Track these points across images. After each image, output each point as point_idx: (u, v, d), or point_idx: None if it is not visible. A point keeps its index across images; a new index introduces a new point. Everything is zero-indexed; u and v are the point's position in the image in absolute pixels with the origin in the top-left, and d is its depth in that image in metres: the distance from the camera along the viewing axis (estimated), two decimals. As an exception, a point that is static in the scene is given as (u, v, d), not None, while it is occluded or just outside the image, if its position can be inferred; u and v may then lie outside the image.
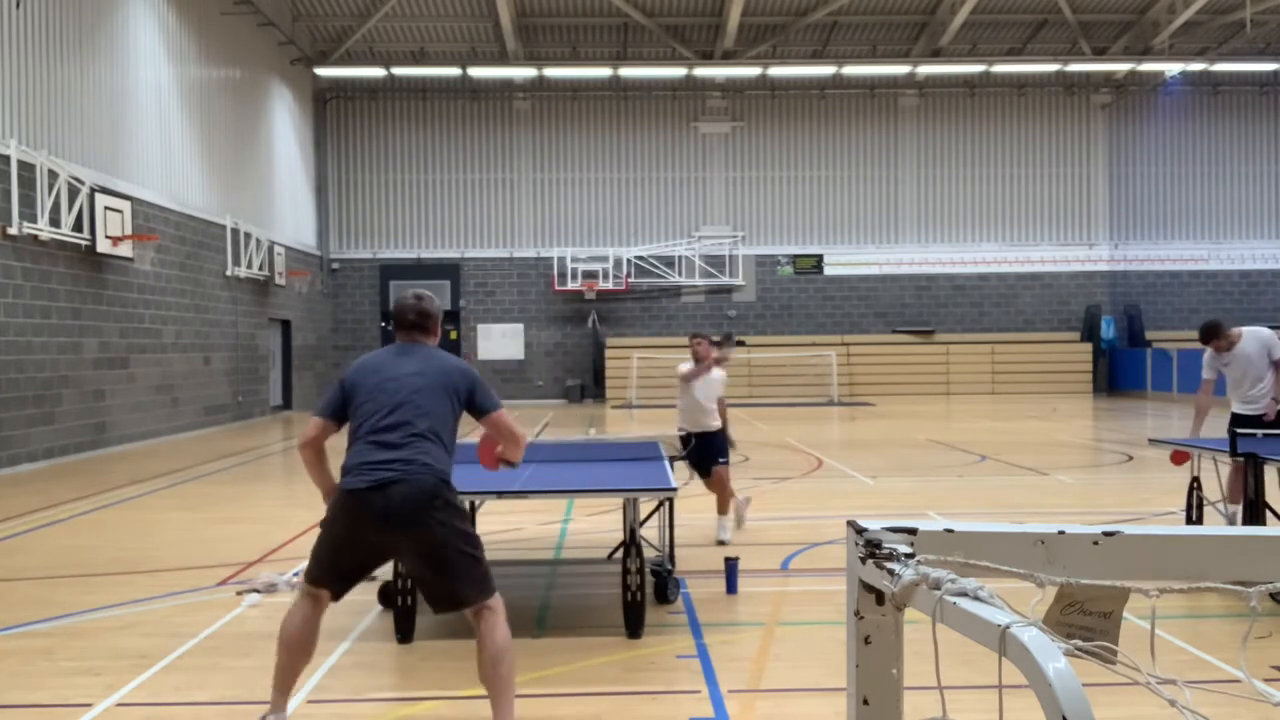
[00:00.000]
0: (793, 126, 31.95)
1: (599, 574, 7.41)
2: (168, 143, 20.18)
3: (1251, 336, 8.69)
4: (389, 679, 5.41)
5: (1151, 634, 1.77)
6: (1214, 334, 8.64)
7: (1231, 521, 8.19)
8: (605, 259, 31.12)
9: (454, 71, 29.57)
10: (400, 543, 4.39)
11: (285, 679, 4.47)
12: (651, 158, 31.88)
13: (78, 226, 16.08)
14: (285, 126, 27.88)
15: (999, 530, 1.94)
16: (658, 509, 7.48)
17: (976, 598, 1.58)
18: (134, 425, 18.19)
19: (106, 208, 16.82)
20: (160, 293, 19.35)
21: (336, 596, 4.51)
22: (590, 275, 30.97)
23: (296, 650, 4.45)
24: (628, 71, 29.99)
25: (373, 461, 4.34)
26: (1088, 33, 29.79)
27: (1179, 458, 8.38)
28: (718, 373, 9.19)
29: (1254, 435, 7.86)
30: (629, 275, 31.26)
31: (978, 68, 29.74)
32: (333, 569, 4.44)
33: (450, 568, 4.33)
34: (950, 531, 1.93)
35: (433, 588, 4.40)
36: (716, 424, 9.13)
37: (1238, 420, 8.73)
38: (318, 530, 4.55)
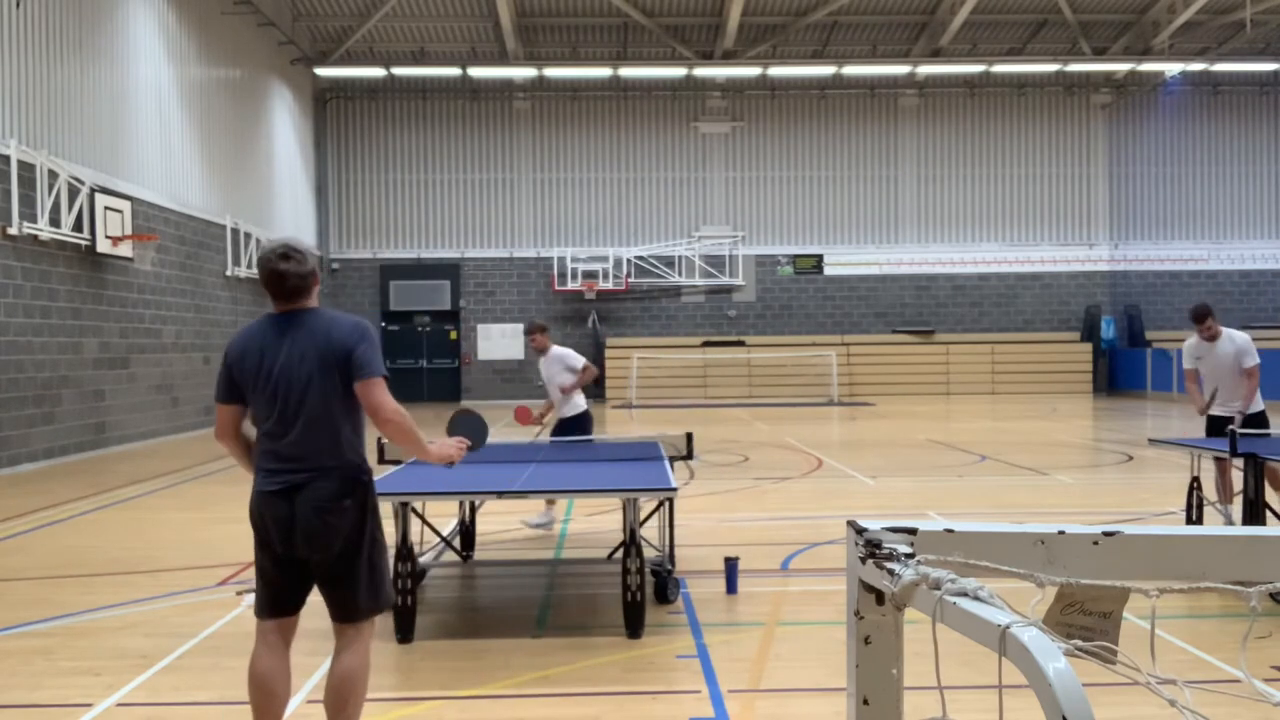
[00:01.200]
0: (793, 126, 31.95)
1: (599, 574, 7.42)
2: (168, 143, 20.19)
3: (1229, 340, 8.73)
4: (389, 679, 5.41)
5: (1151, 634, 1.77)
6: (1207, 313, 8.76)
7: (1229, 521, 8.21)
8: (605, 259, 31.12)
9: (454, 71, 29.56)
10: (306, 550, 3.96)
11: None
12: (651, 158, 31.88)
13: (78, 226, 16.08)
14: (285, 126, 27.88)
15: (999, 530, 1.94)
16: (658, 509, 7.48)
17: (976, 598, 1.58)
18: (134, 425, 18.19)
19: (106, 208, 16.82)
20: (160, 293, 19.36)
21: (294, 612, 4.13)
22: (590, 275, 30.97)
23: (274, 695, 4.03)
24: (628, 71, 29.98)
25: (273, 468, 3.99)
26: (1088, 33, 29.79)
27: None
28: (555, 355, 9.73)
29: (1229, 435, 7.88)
30: (629, 275, 31.26)
31: (978, 68, 29.74)
32: (273, 585, 4.08)
33: (352, 577, 3.98)
34: (950, 531, 1.93)
35: (333, 597, 4.03)
36: (572, 410, 9.78)
37: (1213, 422, 8.76)
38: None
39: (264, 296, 20.72)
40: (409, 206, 31.63)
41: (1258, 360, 8.70)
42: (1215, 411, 8.79)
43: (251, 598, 6.81)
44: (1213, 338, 8.73)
